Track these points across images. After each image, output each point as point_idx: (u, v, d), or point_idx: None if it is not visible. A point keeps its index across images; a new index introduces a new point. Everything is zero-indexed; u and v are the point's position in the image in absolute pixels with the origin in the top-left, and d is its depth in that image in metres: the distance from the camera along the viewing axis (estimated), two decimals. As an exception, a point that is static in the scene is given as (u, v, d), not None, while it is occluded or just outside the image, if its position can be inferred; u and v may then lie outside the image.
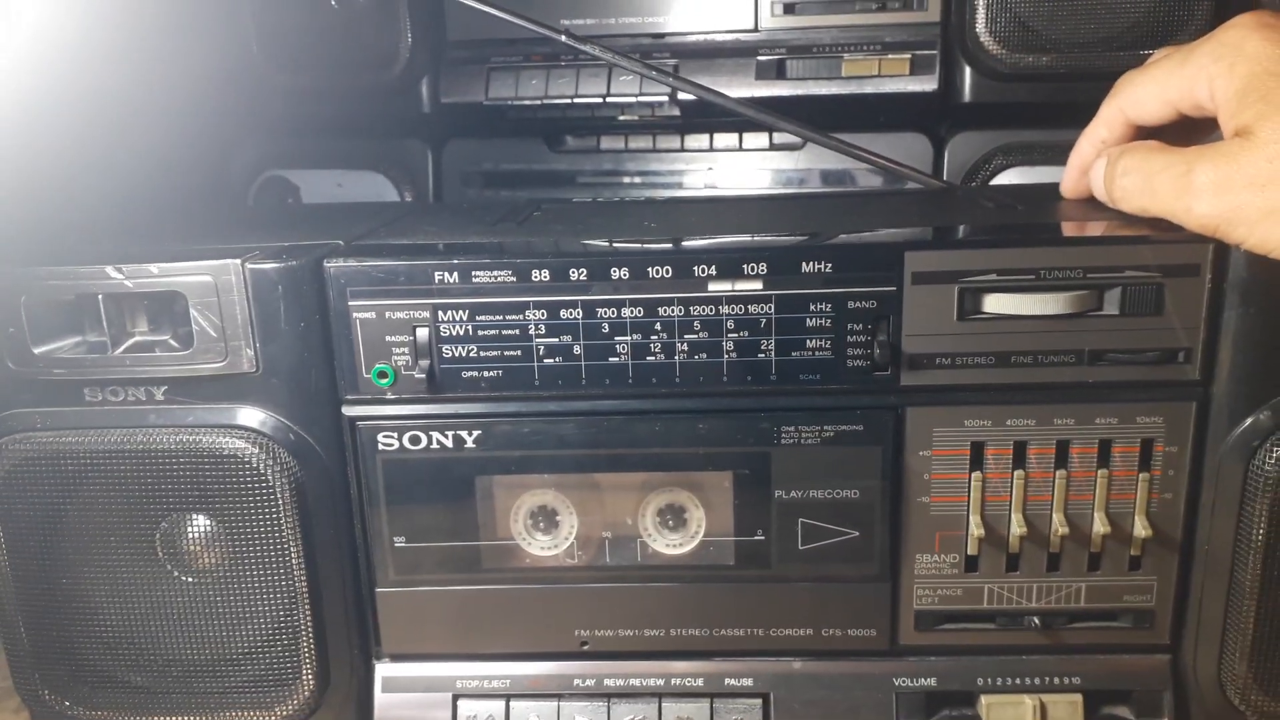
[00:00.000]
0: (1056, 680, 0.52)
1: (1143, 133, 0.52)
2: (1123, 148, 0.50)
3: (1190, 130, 0.50)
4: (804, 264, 0.47)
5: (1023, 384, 0.48)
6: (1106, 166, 0.51)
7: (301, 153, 0.83)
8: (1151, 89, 0.50)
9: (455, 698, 0.53)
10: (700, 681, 0.53)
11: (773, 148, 0.78)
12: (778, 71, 0.74)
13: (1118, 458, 0.49)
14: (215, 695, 0.52)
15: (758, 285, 0.47)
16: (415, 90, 0.78)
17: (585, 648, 0.53)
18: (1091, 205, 0.55)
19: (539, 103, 0.76)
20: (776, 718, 0.52)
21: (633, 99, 0.75)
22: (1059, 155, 0.74)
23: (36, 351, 0.48)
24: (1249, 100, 0.44)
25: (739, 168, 0.79)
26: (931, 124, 0.77)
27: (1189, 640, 0.51)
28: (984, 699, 0.51)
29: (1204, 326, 0.47)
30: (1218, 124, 0.47)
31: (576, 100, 0.75)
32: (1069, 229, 0.51)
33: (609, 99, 0.75)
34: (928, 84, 0.73)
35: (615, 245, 0.50)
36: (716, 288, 0.48)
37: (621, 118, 0.77)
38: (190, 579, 0.51)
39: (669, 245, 0.49)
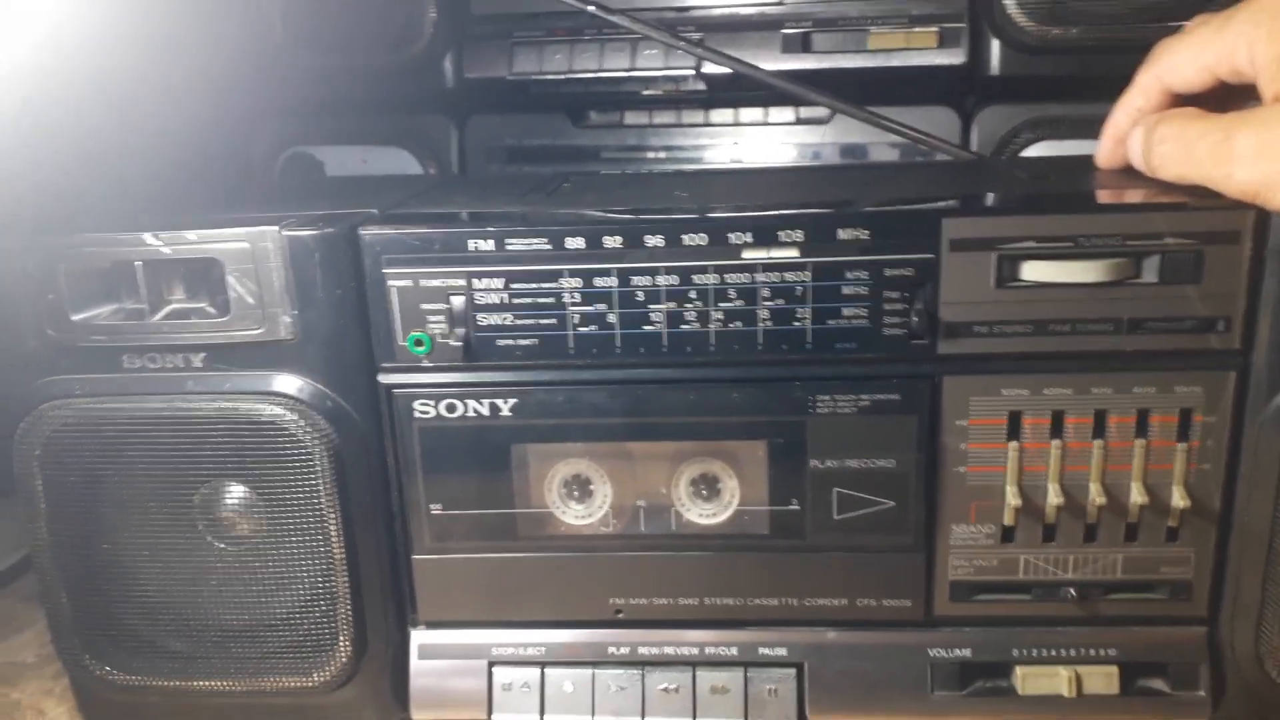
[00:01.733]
0: (1092, 652, 0.51)
1: (1179, 100, 0.51)
2: (1160, 115, 0.50)
3: (1228, 98, 0.49)
4: (841, 231, 0.47)
5: (1060, 353, 0.48)
6: (1144, 134, 0.50)
7: (325, 129, 0.83)
8: (1189, 55, 0.49)
9: (490, 665, 0.53)
10: (734, 651, 0.53)
11: (799, 122, 0.78)
12: (803, 45, 0.73)
13: (1156, 427, 0.48)
14: (253, 661, 0.52)
15: (794, 252, 0.47)
16: (439, 65, 0.78)
17: (620, 616, 0.53)
18: (1127, 174, 0.54)
19: (563, 77, 0.76)
20: (810, 687, 0.52)
21: (658, 73, 0.74)
22: (1088, 129, 0.74)
23: (75, 319, 0.49)
24: None
25: (764, 142, 0.78)
26: (959, 98, 0.76)
27: (1226, 612, 0.50)
28: (1019, 670, 0.51)
29: (1244, 294, 0.46)
30: (1256, 91, 0.46)
31: (601, 74, 0.75)
32: (1106, 197, 0.51)
33: (633, 73, 0.75)
34: (955, 57, 0.72)
35: (650, 212, 0.49)
36: (752, 255, 0.48)
37: (646, 92, 0.77)
38: (228, 545, 0.51)
39: (704, 212, 0.49)
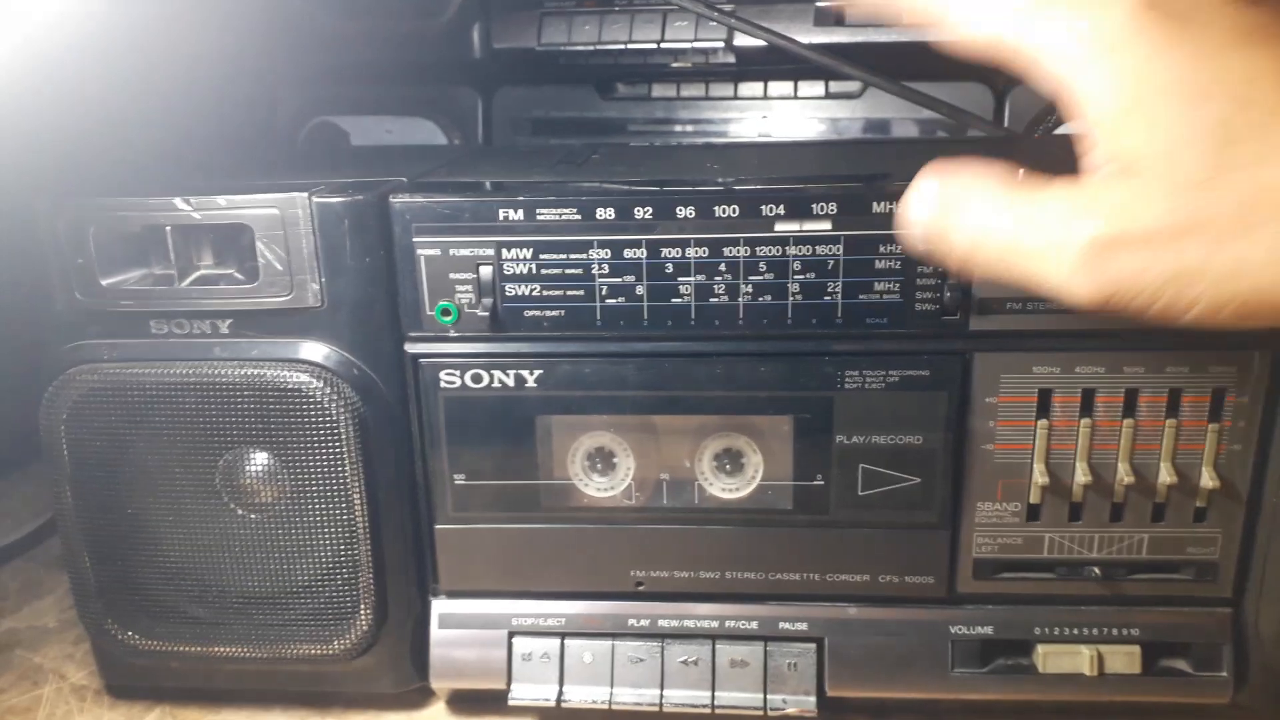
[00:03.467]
0: (1115, 632, 0.51)
1: None
2: None
3: None
4: (875, 204, 0.46)
5: (1093, 330, 0.47)
6: None
7: (351, 98, 0.82)
8: None
9: (511, 635, 0.53)
10: (755, 625, 0.53)
11: (829, 96, 0.77)
12: (836, 18, 0.72)
13: (1187, 407, 0.48)
14: (275, 628, 0.52)
15: (826, 226, 0.47)
16: (466, 36, 0.77)
17: (640, 588, 0.53)
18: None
19: (592, 49, 0.75)
20: (830, 663, 0.52)
21: (687, 45, 0.73)
22: (1122, 107, 0.73)
23: (104, 283, 0.49)
24: None
25: (794, 116, 0.77)
26: (992, 73, 0.75)
27: (1252, 594, 0.50)
28: (1040, 648, 0.51)
29: (1281, 275, 0.46)
30: None
31: (630, 46, 0.74)
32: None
33: (663, 45, 0.74)
34: (989, 32, 0.71)
35: (680, 184, 0.49)
36: (784, 228, 0.47)
37: (675, 65, 0.76)
38: (251, 513, 0.51)
39: (735, 184, 0.48)
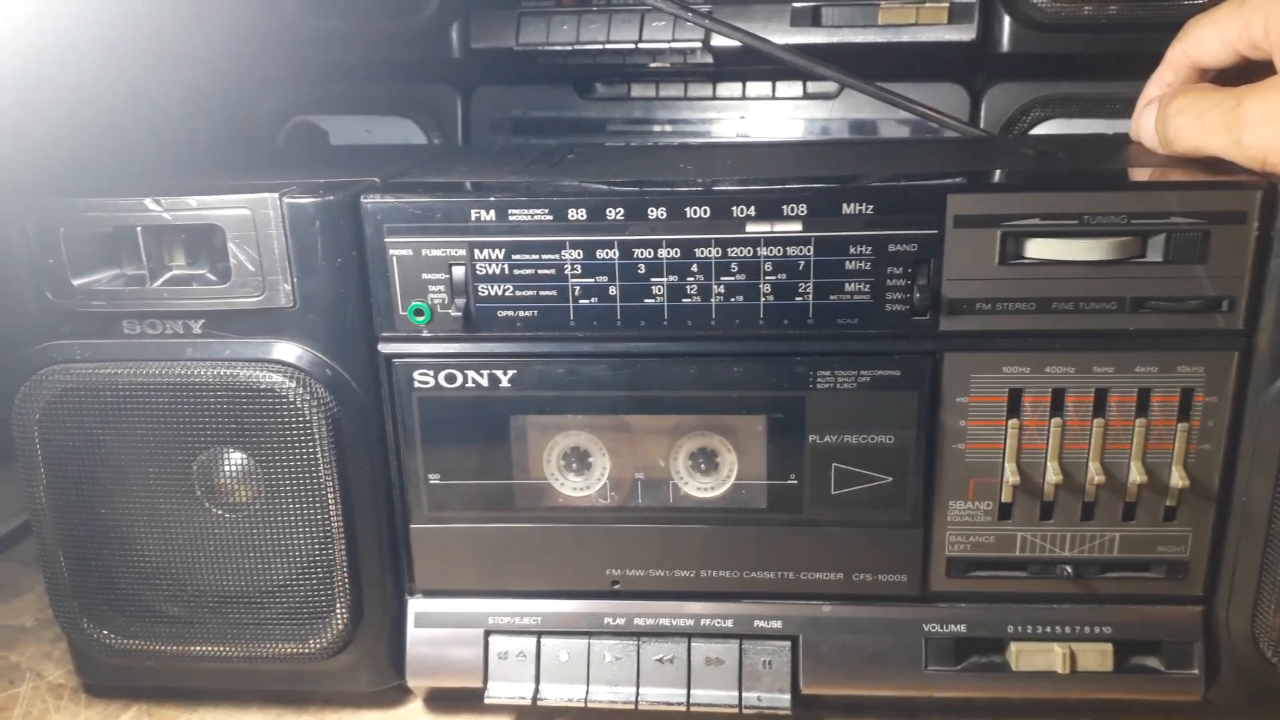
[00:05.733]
0: (1087, 629, 0.51)
1: (1206, 76, 0.53)
2: (1175, 90, 0.51)
3: (1253, 74, 0.50)
4: (845, 205, 0.47)
5: (1063, 331, 0.48)
6: (1159, 110, 0.51)
7: (330, 97, 0.82)
8: (1213, 30, 0.50)
9: (487, 634, 0.53)
10: (730, 623, 0.53)
11: (806, 97, 0.77)
12: (813, 19, 0.72)
13: (1157, 407, 0.48)
14: (250, 627, 0.52)
15: (797, 226, 0.47)
16: (445, 35, 0.77)
17: (616, 587, 0.53)
18: (1138, 153, 0.54)
19: (570, 48, 0.75)
20: (805, 660, 0.52)
21: (665, 45, 0.74)
22: (1099, 108, 0.74)
23: (76, 283, 0.49)
24: None
25: (771, 117, 0.78)
26: (968, 74, 0.76)
27: (1223, 592, 0.50)
28: (1013, 646, 0.52)
29: (1249, 274, 0.46)
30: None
31: (608, 46, 0.74)
32: (1114, 175, 0.51)
33: (641, 45, 0.74)
34: (966, 33, 0.71)
35: (653, 185, 0.49)
36: (755, 229, 0.47)
37: (653, 65, 0.76)
38: (226, 512, 0.51)
39: (707, 185, 0.48)
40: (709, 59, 0.75)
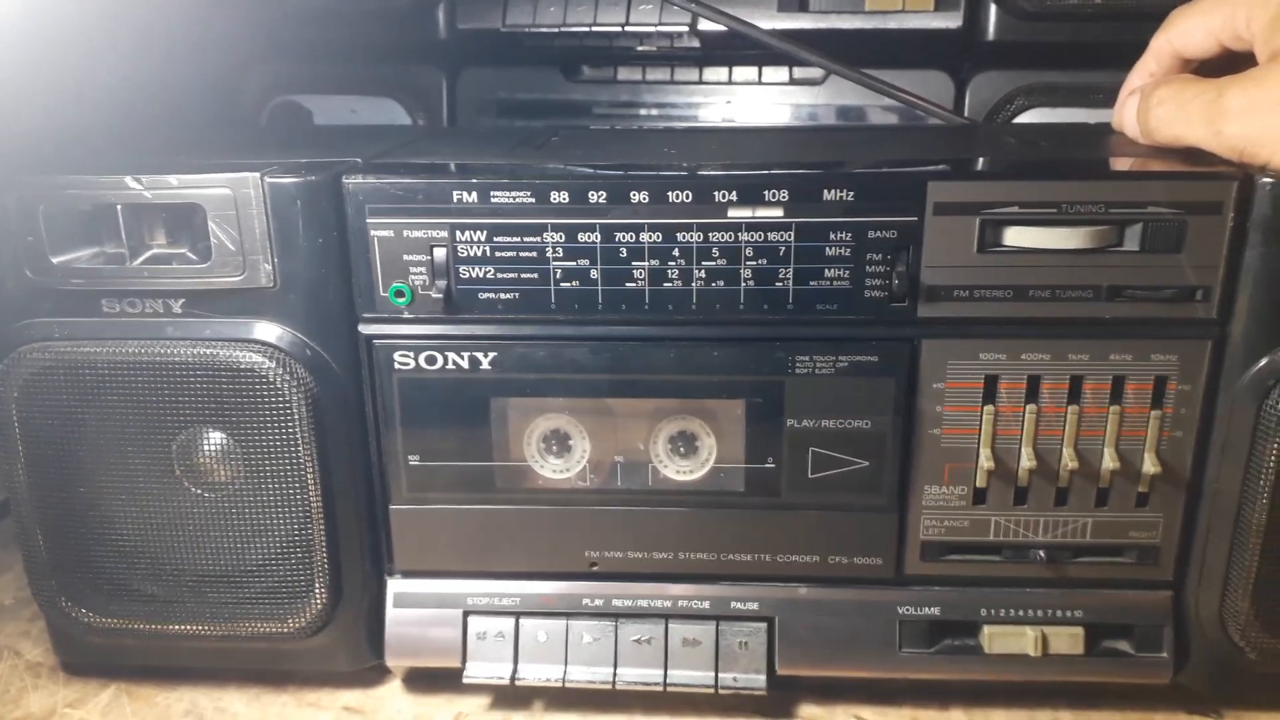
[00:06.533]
0: (1059, 613, 0.52)
1: (1190, 67, 0.53)
2: (1158, 80, 0.51)
3: (1236, 65, 0.50)
4: (826, 191, 0.47)
5: (1039, 318, 0.48)
6: (1141, 100, 0.51)
7: (315, 77, 0.82)
8: (1196, 21, 0.51)
9: (466, 614, 0.54)
10: (707, 604, 0.53)
11: (792, 82, 0.77)
12: (800, 4, 0.72)
13: (1130, 394, 0.49)
14: (229, 606, 0.53)
15: (778, 212, 0.47)
16: (431, 15, 0.77)
17: (595, 569, 0.53)
18: (1119, 143, 0.54)
19: (556, 30, 0.75)
20: (780, 641, 0.53)
21: (652, 28, 0.73)
22: (1082, 97, 0.74)
23: (55, 261, 0.48)
24: None
25: (757, 102, 0.78)
26: (954, 62, 0.76)
27: (1192, 577, 0.51)
28: (986, 629, 0.52)
29: (1224, 265, 0.47)
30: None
31: (594, 29, 0.74)
32: (1093, 164, 0.51)
33: (627, 28, 0.74)
34: (952, 21, 0.71)
35: (635, 168, 0.49)
36: (736, 214, 0.47)
37: (640, 48, 0.76)
38: (205, 491, 0.51)
39: (689, 170, 0.48)
40: (696, 43, 0.74)
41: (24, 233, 0.48)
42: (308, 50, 0.81)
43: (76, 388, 0.49)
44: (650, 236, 0.48)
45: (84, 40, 0.67)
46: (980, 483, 0.50)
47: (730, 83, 0.78)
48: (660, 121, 0.79)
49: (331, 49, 0.80)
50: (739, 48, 0.74)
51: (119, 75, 0.71)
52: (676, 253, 0.48)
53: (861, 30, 0.72)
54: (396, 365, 0.50)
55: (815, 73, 0.76)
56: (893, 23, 0.72)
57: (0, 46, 0.57)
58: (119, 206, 0.48)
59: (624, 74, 0.79)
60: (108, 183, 0.47)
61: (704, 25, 0.72)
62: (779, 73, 0.77)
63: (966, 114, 0.75)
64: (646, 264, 0.48)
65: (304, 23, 0.77)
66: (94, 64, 0.69)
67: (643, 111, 0.80)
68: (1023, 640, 0.52)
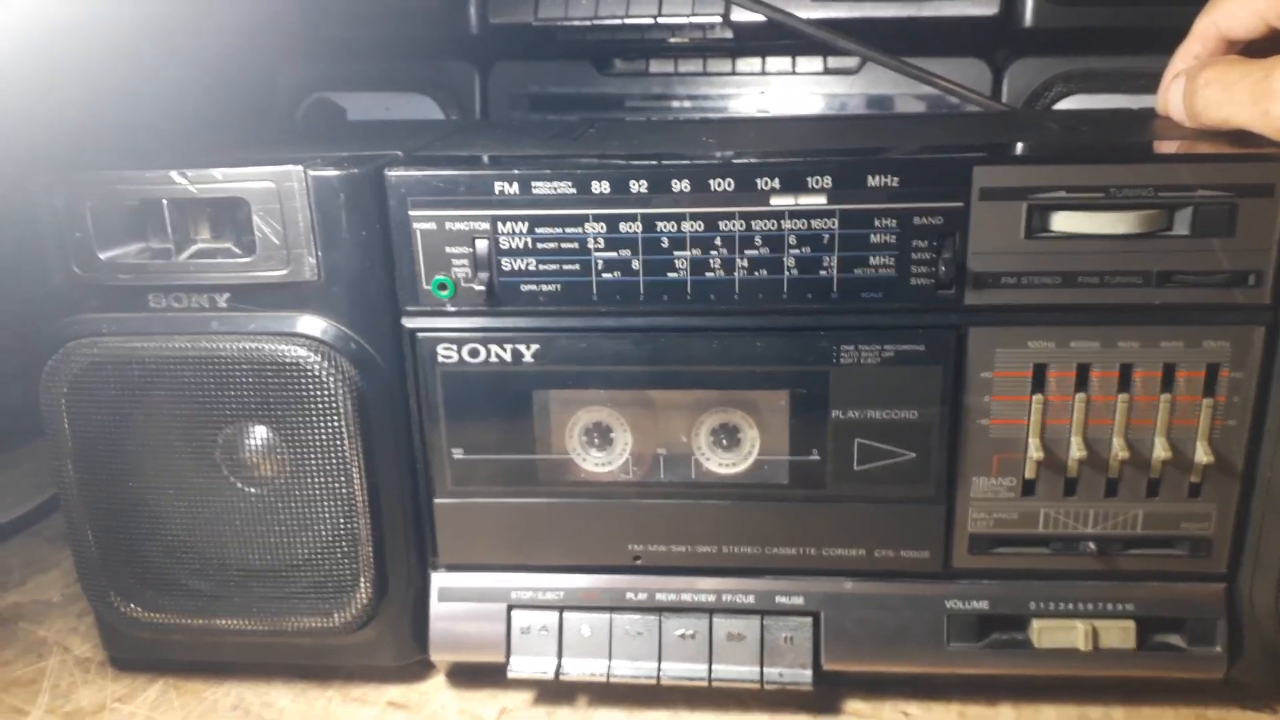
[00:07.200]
0: (1109, 606, 0.51)
1: (1235, 48, 0.52)
2: (1204, 62, 0.50)
3: None
4: (870, 178, 0.46)
5: (1088, 305, 0.47)
6: (1187, 82, 0.50)
7: (349, 74, 0.82)
8: (1241, 1, 0.50)
9: (510, 608, 0.54)
10: (751, 599, 0.53)
11: (827, 72, 0.76)
12: (835, -9, 0.72)
13: (1182, 382, 0.48)
14: (275, 601, 0.53)
15: (822, 200, 0.47)
16: (463, 10, 0.77)
17: (638, 562, 0.53)
18: (1165, 126, 0.54)
19: (589, 24, 0.75)
20: (826, 636, 0.52)
21: (684, 20, 0.73)
22: (1122, 82, 0.73)
23: (102, 257, 0.49)
24: None
25: (791, 92, 0.77)
26: (990, 49, 0.75)
27: (1246, 569, 0.50)
28: (1035, 623, 0.51)
29: (1276, 249, 0.46)
30: None
31: (627, 21, 0.74)
32: (1140, 147, 0.50)
33: (660, 20, 0.74)
34: (988, 7, 0.71)
35: (676, 157, 0.49)
36: (779, 202, 0.47)
37: (672, 40, 0.76)
38: (252, 487, 0.52)
39: (731, 158, 0.48)
40: (729, 34, 0.74)
41: (72, 230, 0.48)
42: (341, 48, 0.81)
43: (124, 383, 0.50)
44: (692, 226, 0.48)
45: (123, 39, 0.67)
46: (1029, 474, 0.50)
47: (764, 73, 0.78)
48: (693, 114, 0.79)
49: (365, 46, 0.81)
50: (773, 38, 0.74)
51: (156, 73, 0.72)
52: (719, 242, 0.48)
53: (897, 18, 0.71)
54: (440, 358, 0.50)
55: (850, 62, 0.76)
56: (928, 10, 0.71)
57: (46, 47, 0.57)
58: (164, 201, 0.48)
59: (656, 66, 0.79)
60: (153, 178, 0.48)
61: (737, 15, 0.72)
62: (813, 62, 0.77)
63: (1005, 101, 0.74)
64: (688, 254, 0.48)
65: (337, 21, 0.78)
66: (132, 63, 0.69)
67: (675, 104, 0.79)
68: (1073, 634, 0.51)
